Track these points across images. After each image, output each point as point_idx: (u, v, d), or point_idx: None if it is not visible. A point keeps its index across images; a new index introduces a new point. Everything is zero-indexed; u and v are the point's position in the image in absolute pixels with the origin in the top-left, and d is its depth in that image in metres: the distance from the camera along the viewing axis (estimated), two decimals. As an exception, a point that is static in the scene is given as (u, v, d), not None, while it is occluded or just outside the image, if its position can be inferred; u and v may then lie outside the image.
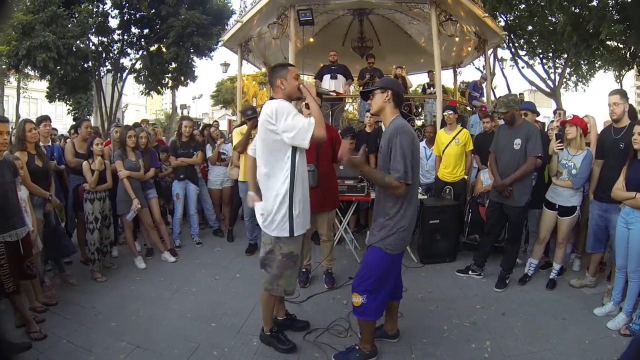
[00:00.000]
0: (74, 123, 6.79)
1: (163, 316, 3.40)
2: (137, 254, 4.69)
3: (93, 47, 15.16)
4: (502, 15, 14.39)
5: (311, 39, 8.96)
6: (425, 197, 5.08)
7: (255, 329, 3.13)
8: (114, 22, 15.70)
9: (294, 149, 2.58)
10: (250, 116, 4.76)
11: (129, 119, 27.06)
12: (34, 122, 3.94)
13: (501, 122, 4.42)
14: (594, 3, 11.28)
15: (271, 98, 2.76)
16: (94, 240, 4.19)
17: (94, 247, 4.18)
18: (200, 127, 7.51)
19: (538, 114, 4.92)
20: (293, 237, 2.67)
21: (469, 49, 9.44)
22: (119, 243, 5.13)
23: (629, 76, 20.18)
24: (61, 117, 25.60)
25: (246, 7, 8.06)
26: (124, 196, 4.46)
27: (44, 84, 16.30)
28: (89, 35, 14.69)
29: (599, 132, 4.28)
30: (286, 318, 3.21)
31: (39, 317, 3.26)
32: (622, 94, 3.59)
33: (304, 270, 4.08)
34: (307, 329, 3.17)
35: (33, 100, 27.45)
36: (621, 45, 12.62)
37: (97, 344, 2.96)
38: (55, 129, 5.21)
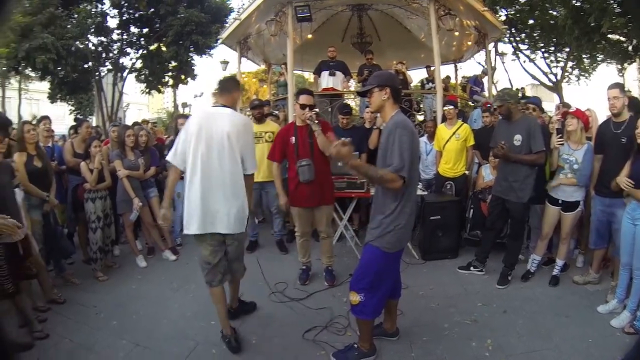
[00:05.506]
0: (74, 123, 6.79)
1: (163, 315, 3.40)
2: (138, 252, 4.70)
3: (92, 48, 15.19)
4: (503, 9, 14.26)
5: (309, 36, 8.89)
6: (426, 193, 5.03)
7: (253, 326, 3.14)
8: (112, 22, 15.77)
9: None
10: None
11: (131, 118, 27.04)
12: (33, 123, 3.95)
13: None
14: (595, -4, 11.17)
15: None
16: (96, 240, 4.19)
17: (97, 246, 4.19)
18: None
19: (543, 111, 4.87)
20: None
21: (469, 43, 9.34)
22: (120, 242, 5.13)
23: (632, 69, 19.96)
24: (62, 117, 25.63)
25: (244, 4, 8.07)
26: (124, 196, 4.46)
27: (45, 85, 16.33)
28: (88, 36, 14.72)
29: (599, 126, 4.25)
30: (238, 305, 3.34)
31: (41, 317, 3.28)
32: (621, 87, 3.56)
33: (304, 267, 4.07)
34: (255, 309, 3.39)
35: (35, 101, 27.43)
36: (623, 39, 12.49)
37: (98, 343, 2.98)
38: (52, 130, 5.20)
